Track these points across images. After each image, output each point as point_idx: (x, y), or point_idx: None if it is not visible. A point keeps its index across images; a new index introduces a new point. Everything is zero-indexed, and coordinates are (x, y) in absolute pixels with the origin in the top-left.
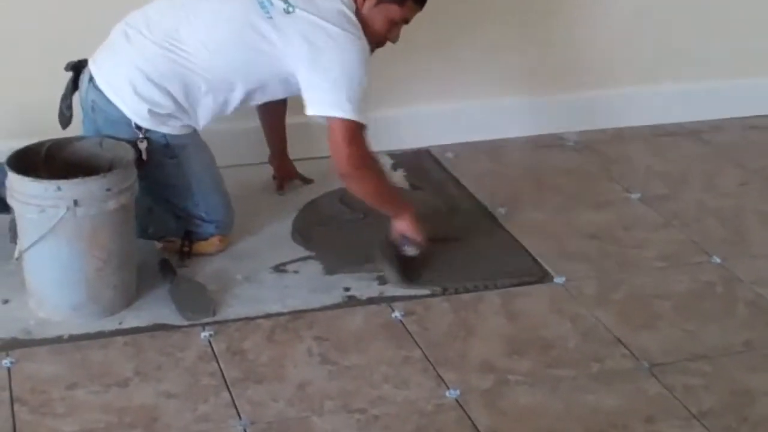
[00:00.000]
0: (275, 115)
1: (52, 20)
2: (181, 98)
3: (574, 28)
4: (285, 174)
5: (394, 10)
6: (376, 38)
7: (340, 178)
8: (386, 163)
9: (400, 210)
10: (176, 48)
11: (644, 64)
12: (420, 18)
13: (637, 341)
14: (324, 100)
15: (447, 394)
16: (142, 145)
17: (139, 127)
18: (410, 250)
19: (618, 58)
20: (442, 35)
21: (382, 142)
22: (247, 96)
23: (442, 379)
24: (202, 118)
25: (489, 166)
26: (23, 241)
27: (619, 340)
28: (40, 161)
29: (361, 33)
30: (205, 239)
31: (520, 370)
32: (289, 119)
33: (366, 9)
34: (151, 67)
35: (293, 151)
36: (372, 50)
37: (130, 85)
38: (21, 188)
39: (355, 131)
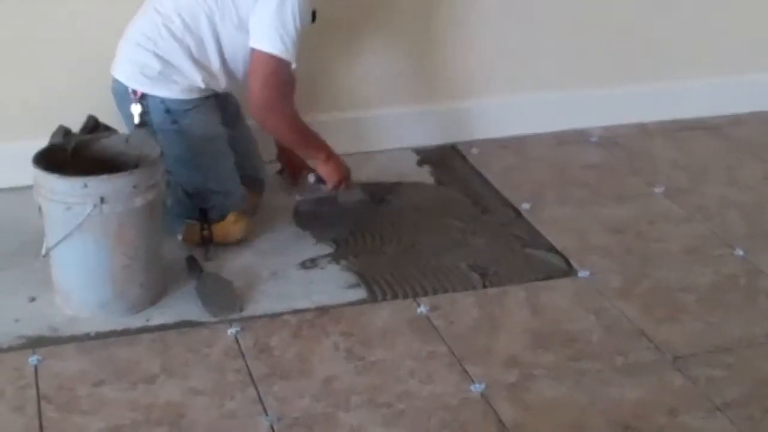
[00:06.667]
0: None
1: (74, 23)
2: (164, 52)
3: (594, 23)
4: (295, 168)
5: None
6: None
7: (252, 114)
8: (412, 158)
9: (316, 152)
10: (156, 9)
11: (666, 60)
12: (443, 16)
13: (661, 334)
14: (259, 32)
15: (472, 388)
16: (136, 109)
17: (135, 92)
18: (324, 189)
19: (640, 54)
20: (466, 32)
21: (407, 138)
22: (217, 39)
23: (468, 374)
24: (191, 71)
25: (514, 161)
26: (50, 239)
27: (643, 333)
28: (67, 159)
29: None
30: (222, 218)
31: (545, 363)
32: None
33: None
34: (137, 31)
35: None
36: None
37: (124, 55)
38: (48, 185)
39: (277, 68)
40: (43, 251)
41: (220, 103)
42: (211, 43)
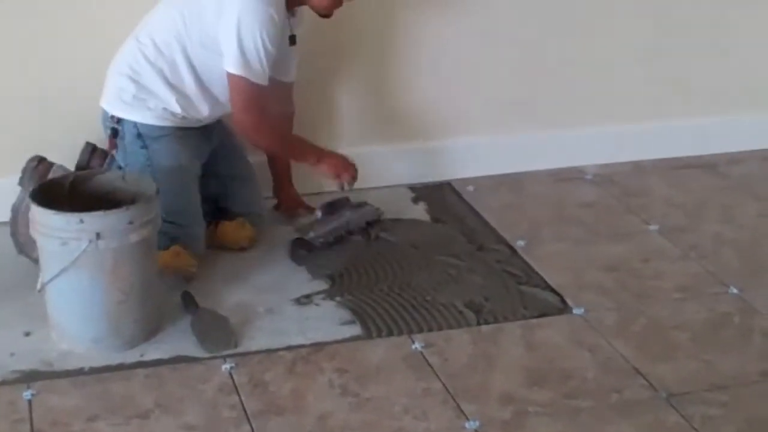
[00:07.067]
0: None
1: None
2: (139, 76)
3: (590, 63)
4: (291, 204)
5: None
6: (322, 3)
7: (241, 136)
8: (407, 196)
9: (307, 158)
10: (136, 37)
11: (662, 99)
12: (442, 54)
13: (656, 372)
14: (225, 54)
15: (466, 425)
16: (108, 132)
17: (113, 117)
18: (347, 187)
19: (636, 93)
20: (462, 71)
21: (403, 175)
22: (189, 61)
23: (462, 411)
24: (166, 95)
25: (509, 199)
26: (45, 274)
27: (638, 371)
28: (64, 194)
29: (275, 2)
30: (166, 248)
31: (540, 400)
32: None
33: None
34: (118, 60)
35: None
36: (328, 14)
37: (107, 83)
38: (44, 221)
39: (250, 90)
40: (39, 286)
41: (218, 137)
42: (184, 65)
